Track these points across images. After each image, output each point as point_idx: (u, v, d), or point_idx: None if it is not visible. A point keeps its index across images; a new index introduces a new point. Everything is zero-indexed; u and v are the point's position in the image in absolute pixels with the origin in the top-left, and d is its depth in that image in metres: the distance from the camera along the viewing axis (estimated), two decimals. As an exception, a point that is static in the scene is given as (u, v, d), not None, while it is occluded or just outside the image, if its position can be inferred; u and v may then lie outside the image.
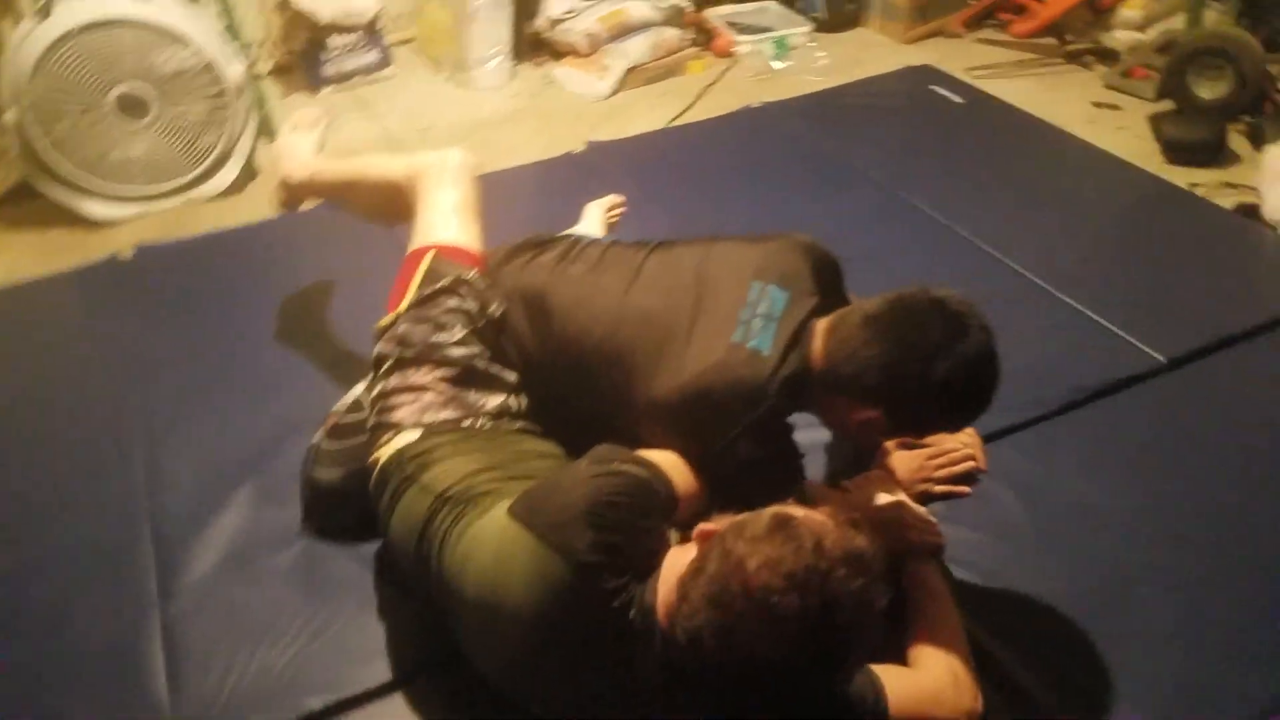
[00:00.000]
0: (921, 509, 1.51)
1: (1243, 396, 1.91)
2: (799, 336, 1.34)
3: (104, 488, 1.73)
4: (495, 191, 2.33)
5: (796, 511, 1.09)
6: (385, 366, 1.45)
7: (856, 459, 1.66)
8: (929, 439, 1.68)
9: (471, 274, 1.51)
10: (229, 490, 1.70)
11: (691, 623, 1.04)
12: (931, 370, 1.23)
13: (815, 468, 1.70)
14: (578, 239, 1.62)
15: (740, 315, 1.37)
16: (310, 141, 2.03)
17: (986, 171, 2.66)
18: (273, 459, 1.74)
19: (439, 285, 1.48)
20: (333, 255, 2.30)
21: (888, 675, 1.24)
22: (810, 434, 1.68)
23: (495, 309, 1.51)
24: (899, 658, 1.31)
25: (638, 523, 1.14)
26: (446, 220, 1.56)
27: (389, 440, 1.39)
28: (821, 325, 1.35)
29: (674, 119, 3.27)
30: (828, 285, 1.44)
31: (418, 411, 1.40)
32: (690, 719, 1.15)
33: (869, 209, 2.46)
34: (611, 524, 1.12)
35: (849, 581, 1.01)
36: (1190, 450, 1.77)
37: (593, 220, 2.20)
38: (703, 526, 1.12)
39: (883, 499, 1.51)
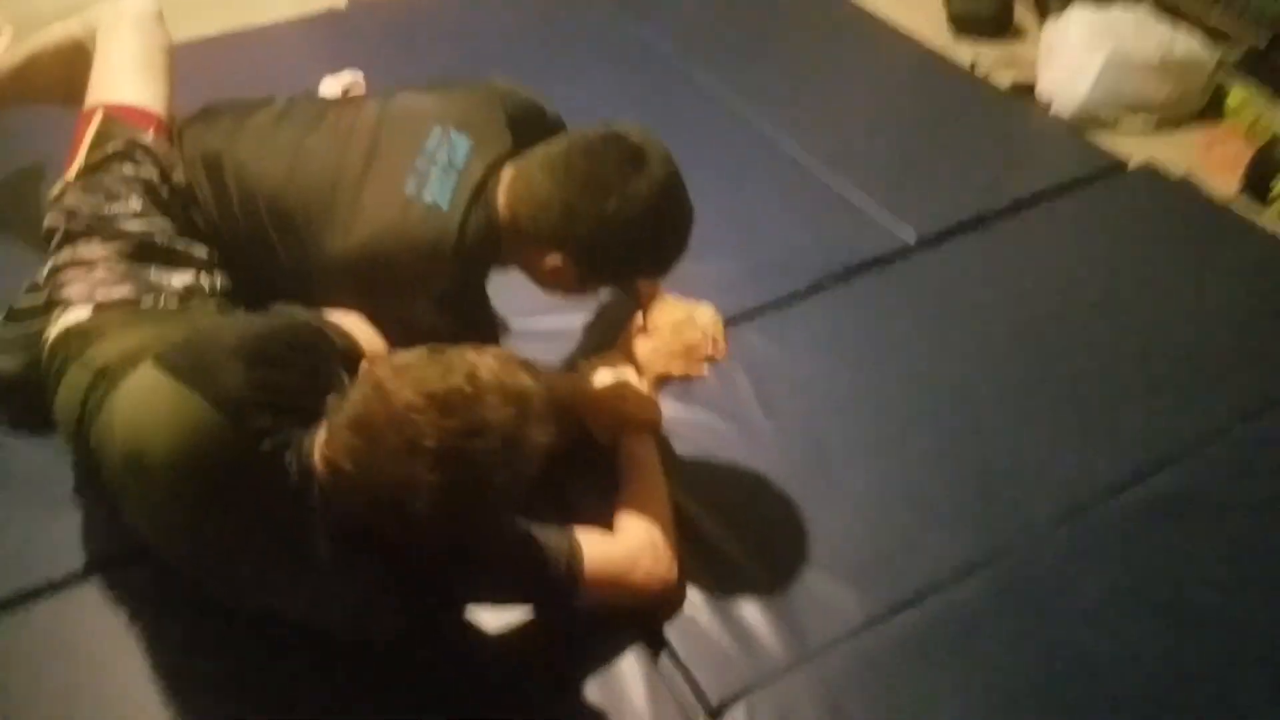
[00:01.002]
0: (642, 387, 1.52)
1: (986, 277, 1.96)
2: (484, 186, 1.27)
3: None
4: (238, 55, 2.19)
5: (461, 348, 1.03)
6: (55, 240, 1.34)
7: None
8: (664, 320, 1.70)
9: (148, 137, 1.39)
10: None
11: (333, 451, 0.99)
12: (606, 205, 1.18)
13: (563, 350, 1.68)
14: (270, 97, 1.50)
15: (415, 164, 1.27)
16: None
17: (767, 43, 2.62)
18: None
19: (109, 150, 1.37)
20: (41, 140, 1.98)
21: (588, 539, 1.26)
22: (566, 318, 1.69)
23: (178, 176, 1.40)
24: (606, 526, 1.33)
25: (298, 359, 1.06)
26: (120, 76, 1.43)
27: (58, 317, 1.29)
28: (508, 172, 1.28)
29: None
30: (524, 131, 1.36)
31: (89, 288, 1.30)
32: (361, 586, 1.09)
33: (647, 83, 2.39)
34: (265, 358, 1.04)
35: (497, 411, 0.97)
36: (926, 331, 1.82)
37: (336, 84, 2.07)
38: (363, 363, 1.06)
39: (606, 375, 1.52)
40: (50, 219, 1.35)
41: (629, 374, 1.56)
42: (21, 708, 1.22)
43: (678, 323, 1.71)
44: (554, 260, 1.24)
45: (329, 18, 2.53)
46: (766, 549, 1.45)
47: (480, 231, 1.26)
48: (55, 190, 1.37)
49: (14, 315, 1.44)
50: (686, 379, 1.68)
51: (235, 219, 1.38)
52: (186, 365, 1.05)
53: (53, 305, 1.30)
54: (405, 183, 1.26)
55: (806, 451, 1.59)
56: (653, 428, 1.49)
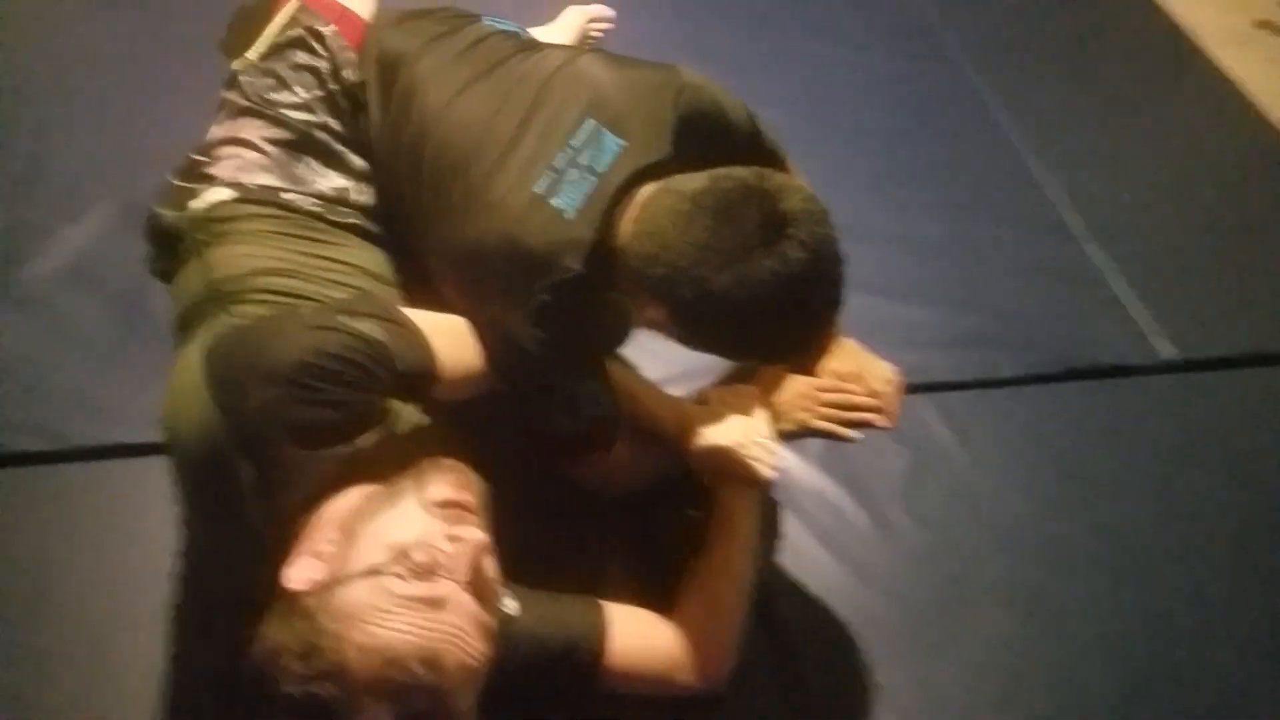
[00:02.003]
0: (768, 438, 1.27)
1: (1256, 420, 1.58)
2: (618, 201, 1.06)
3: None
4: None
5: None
6: (222, 113, 1.30)
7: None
8: (830, 365, 1.44)
9: (329, 29, 1.31)
10: (89, 205, 1.60)
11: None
12: (717, 278, 0.94)
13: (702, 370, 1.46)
14: (475, 18, 1.35)
15: (555, 160, 1.09)
16: None
17: (1076, 60, 2.23)
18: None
19: (290, 35, 1.31)
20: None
21: (625, 618, 1.09)
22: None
23: (350, 73, 1.30)
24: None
25: (339, 396, 0.92)
26: None
27: (202, 193, 1.23)
28: (644, 192, 1.05)
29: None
30: (694, 140, 1.12)
31: (235, 169, 1.25)
32: None
33: (916, 78, 2.08)
34: (299, 389, 0.89)
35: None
36: (1154, 467, 1.48)
37: (565, 26, 1.87)
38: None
39: (730, 411, 1.28)
40: (224, 91, 1.32)
41: (759, 415, 1.32)
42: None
43: (846, 373, 1.44)
44: (655, 312, 1.02)
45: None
46: (836, 690, 1.19)
47: (597, 252, 1.06)
48: (236, 64, 1.32)
49: (183, 169, 1.38)
50: (831, 438, 1.42)
51: (392, 135, 1.25)
52: (222, 371, 0.93)
53: (200, 178, 1.25)
54: (539, 179, 1.09)
55: (943, 581, 1.30)
56: (762, 487, 1.25)
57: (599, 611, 1.08)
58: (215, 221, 1.21)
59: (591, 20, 1.90)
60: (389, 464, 0.96)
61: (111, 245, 1.53)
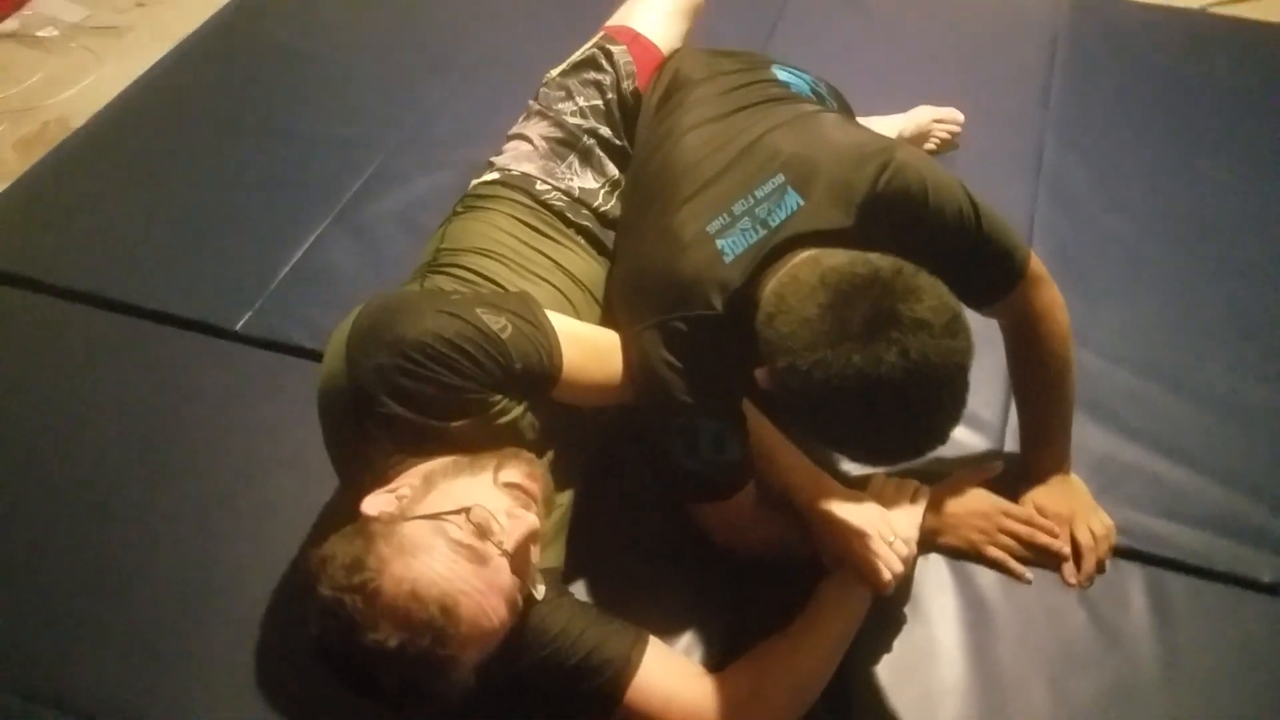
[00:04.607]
0: (907, 541, 1.18)
1: None
2: (776, 256, 1.04)
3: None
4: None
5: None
6: (521, 117, 1.50)
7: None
8: (1041, 500, 1.30)
9: (619, 48, 1.46)
10: (442, 164, 1.86)
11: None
12: (802, 356, 0.90)
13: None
14: (767, 64, 1.40)
15: (735, 205, 1.09)
16: None
17: None
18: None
19: (586, 54, 1.49)
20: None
21: (666, 662, 1.09)
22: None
23: (629, 84, 1.43)
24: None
25: (445, 378, 1.00)
26: (646, 11, 1.51)
27: (482, 174, 1.43)
28: (800, 255, 1.02)
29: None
30: (885, 221, 1.07)
31: (510, 158, 1.43)
32: None
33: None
34: (412, 364, 0.99)
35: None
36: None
37: (911, 119, 1.82)
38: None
39: (872, 504, 1.20)
40: (532, 99, 1.50)
41: (910, 514, 1.22)
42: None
43: (1051, 510, 1.28)
44: (761, 374, 0.99)
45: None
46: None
47: (737, 298, 1.05)
48: (545, 77, 1.51)
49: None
50: (1000, 570, 1.27)
51: (643, 147, 1.35)
52: (363, 328, 1.03)
53: (488, 166, 1.44)
54: (714, 220, 1.10)
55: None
56: (876, 590, 1.16)
57: (641, 644, 1.08)
58: (474, 197, 1.39)
59: (938, 120, 1.84)
60: (476, 447, 1.04)
61: (439, 198, 1.70)
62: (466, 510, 0.95)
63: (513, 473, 1.02)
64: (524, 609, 0.99)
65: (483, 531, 0.94)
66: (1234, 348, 1.52)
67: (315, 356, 1.44)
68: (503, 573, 0.94)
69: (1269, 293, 1.60)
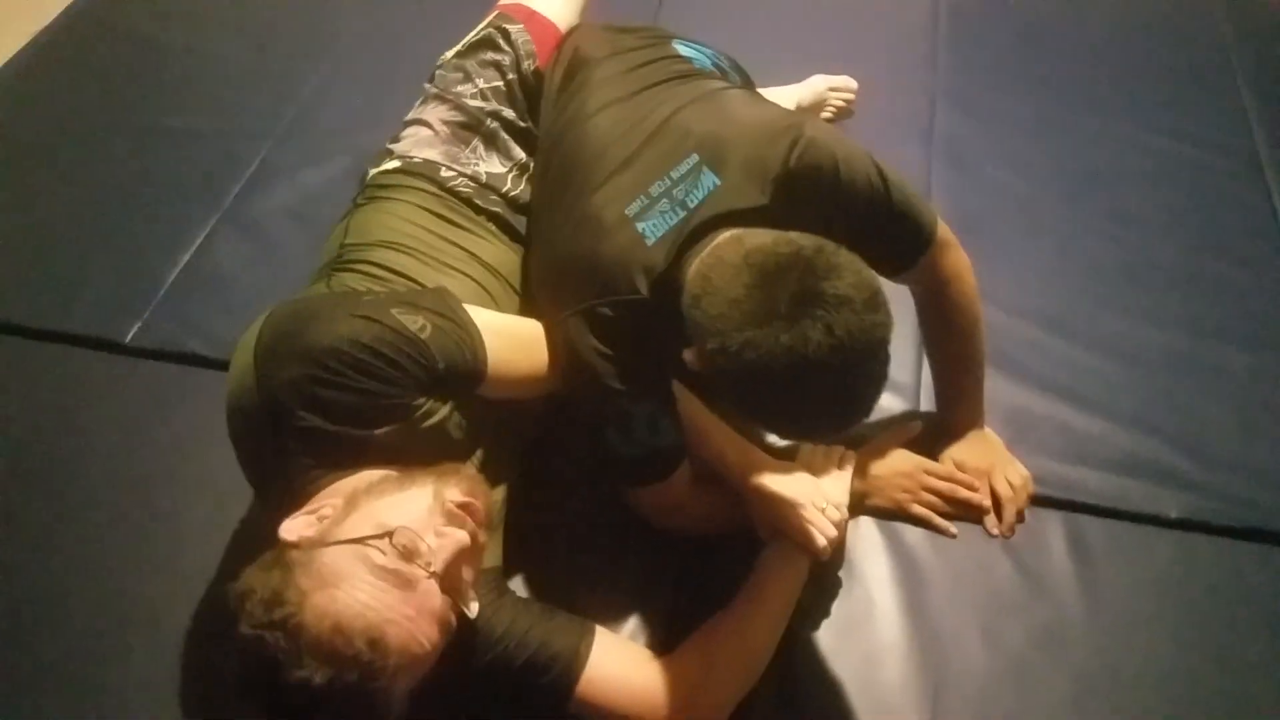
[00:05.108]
0: (839, 506, 1.20)
1: None
2: (697, 238, 1.04)
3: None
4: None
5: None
6: (417, 101, 1.45)
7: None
8: (961, 455, 1.34)
9: (516, 27, 1.43)
10: (332, 155, 1.80)
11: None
12: (731, 336, 0.90)
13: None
14: (667, 40, 1.38)
15: (651, 187, 1.09)
16: None
17: None
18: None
19: (481, 35, 1.44)
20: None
21: (615, 650, 1.08)
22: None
23: (530, 64, 1.40)
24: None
25: (363, 385, 0.96)
26: None
27: (382, 161, 1.38)
28: (722, 235, 1.02)
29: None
30: (798, 195, 1.07)
31: (410, 144, 1.38)
32: None
33: (1202, 171, 1.80)
34: (327, 373, 0.95)
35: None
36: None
37: (807, 88, 1.83)
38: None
39: (802, 473, 1.21)
40: (426, 82, 1.46)
41: (839, 479, 1.24)
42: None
43: (970, 465, 1.32)
44: (689, 354, 0.98)
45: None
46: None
47: (664, 281, 1.04)
48: (439, 60, 1.46)
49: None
50: (926, 527, 1.30)
51: (548, 130, 1.32)
52: (269, 339, 0.99)
53: (385, 154, 1.38)
54: (632, 202, 1.09)
55: None
56: (812, 556, 1.18)
57: (589, 636, 1.07)
58: (375, 187, 1.33)
59: (833, 89, 1.85)
60: (405, 457, 1.00)
61: (333, 190, 1.66)
62: (390, 533, 0.90)
63: (453, 491, 0.97)
64: (458, 626, 0.96)
65: (408, 554, 0.90)
66: (1127, 295, 1.58)
67: (216, 365, 1.40)
68: (432, 596, 0.90)
69: (1156, 242, 1.66)
